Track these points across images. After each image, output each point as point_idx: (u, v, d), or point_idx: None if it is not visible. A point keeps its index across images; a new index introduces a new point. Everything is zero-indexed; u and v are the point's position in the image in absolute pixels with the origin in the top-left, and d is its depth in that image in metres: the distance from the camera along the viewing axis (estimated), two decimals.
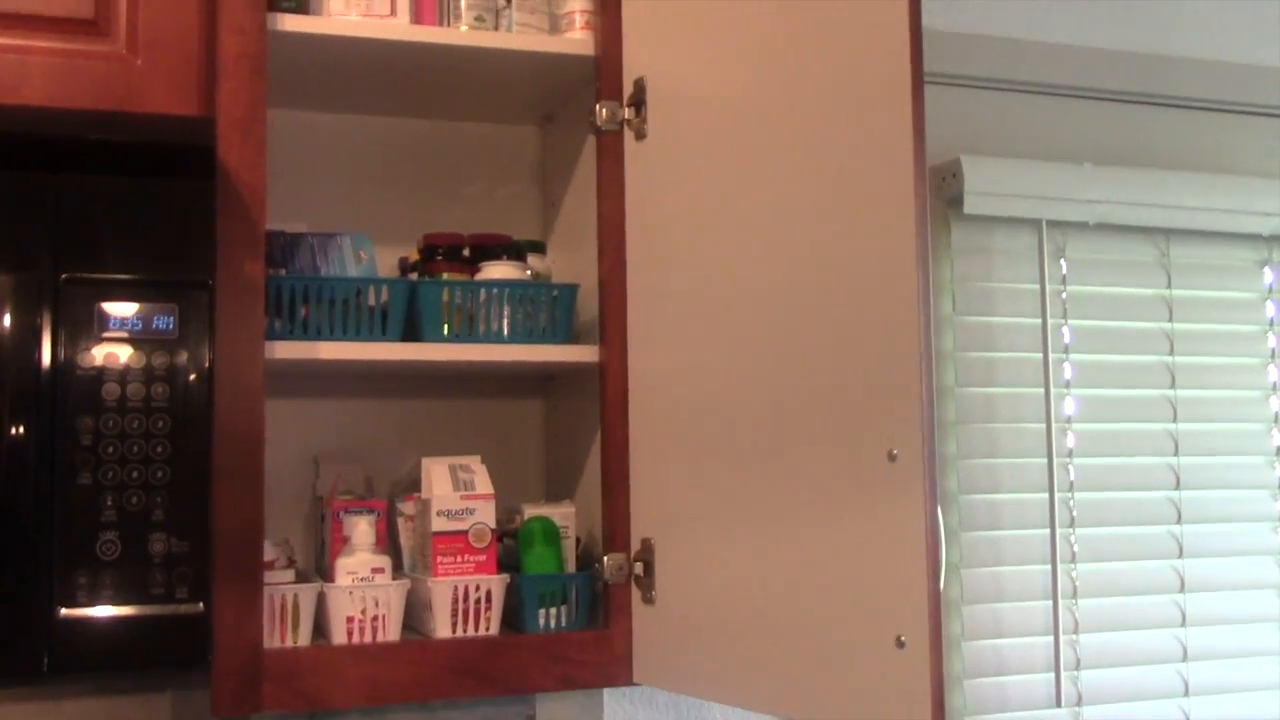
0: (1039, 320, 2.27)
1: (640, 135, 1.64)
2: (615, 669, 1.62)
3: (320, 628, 1.58)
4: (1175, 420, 2.36)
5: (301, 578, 1.61)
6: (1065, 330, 2.30)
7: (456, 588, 1.60)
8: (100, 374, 1.32)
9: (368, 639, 1.56)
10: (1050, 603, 2.23)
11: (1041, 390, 2.26)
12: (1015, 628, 2.22)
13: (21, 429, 1.29)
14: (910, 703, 1.21)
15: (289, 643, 1.53)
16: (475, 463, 1.67)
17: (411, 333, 1.67)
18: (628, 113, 1.66)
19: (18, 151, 1.33)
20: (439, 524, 1.61)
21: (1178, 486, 2.35)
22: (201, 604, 1.33)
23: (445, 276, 1.72)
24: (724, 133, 1.50)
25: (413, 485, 1.78)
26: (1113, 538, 2.30)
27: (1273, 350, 2.44)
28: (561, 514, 1.72)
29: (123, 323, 1.34)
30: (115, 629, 1.30)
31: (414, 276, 1.75)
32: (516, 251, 1.78)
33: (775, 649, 1.39)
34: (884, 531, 1.25)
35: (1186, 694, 2.31)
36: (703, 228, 1.52)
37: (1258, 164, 2.45)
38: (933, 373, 1.23)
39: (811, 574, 1.34)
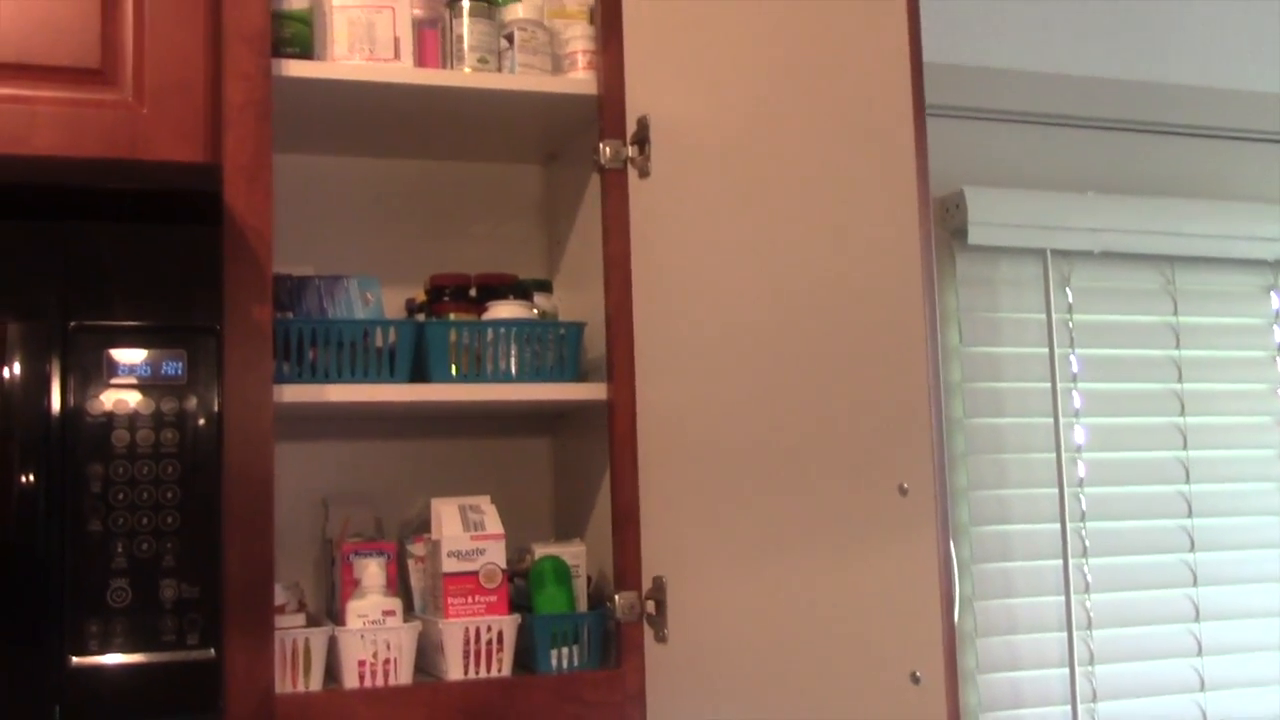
0: (1046, 350, 2.27)
1: (644, 173, 1.64)
2: (629, 708, 1.61)
3: (332, 672, 1.57)
4: (1185, 448, 2.35)
5: (312, 621, 1.60)
6: (1073, 359, 2.30)
7: (468, 629, 1.59)
8: (110, 420, 1.32)
9: (380, 682, 1.55)
10: (1065, 634, 2.22)
11: (1050, 420, 2.26)
12: (1030, 660, 2.21)
13: (32, 476, 1.29)
14: None
15: (301, 687, 1.52)
16: (485, 503, 1.67)
17: (419, 373, 1.67)
18: (631, 151, 1.67)
19: (27, 201, 1.34)
20: (449, 565, 1.60)
21: (1190, 514, 2.34)
22: (213, 650, 1.32)
23: (452, 317, 1.73)
24: (727, 169, 1.50)
25: (422, 526, 1.78)
26: (1126, 567, 2.29)
27: None
28: (572, 553, 1.71)
29: (132, 369, 1.34)
30: (127, 677, 1.30)
31: (421, 317, 1.76)
32: (523, 290, 1.78)
33: (789, 686, 1.38)
34: (897, 566, 1.24)
35: None
36: (708, 264, 1.53)
37: (1261, 190, 2.46)
38: (942, 405, 1.22)
39: (825, 610, 1.33)
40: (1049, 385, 2.26)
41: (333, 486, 1.84)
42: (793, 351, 1.39)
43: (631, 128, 1.67)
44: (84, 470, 1.31)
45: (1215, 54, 2.46)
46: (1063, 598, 2.22)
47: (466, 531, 1.62)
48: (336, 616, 1.64)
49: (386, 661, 1.56)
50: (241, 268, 1.47)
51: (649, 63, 1.66)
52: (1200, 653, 2.31)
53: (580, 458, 1.85)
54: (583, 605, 1.69)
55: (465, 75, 1.70)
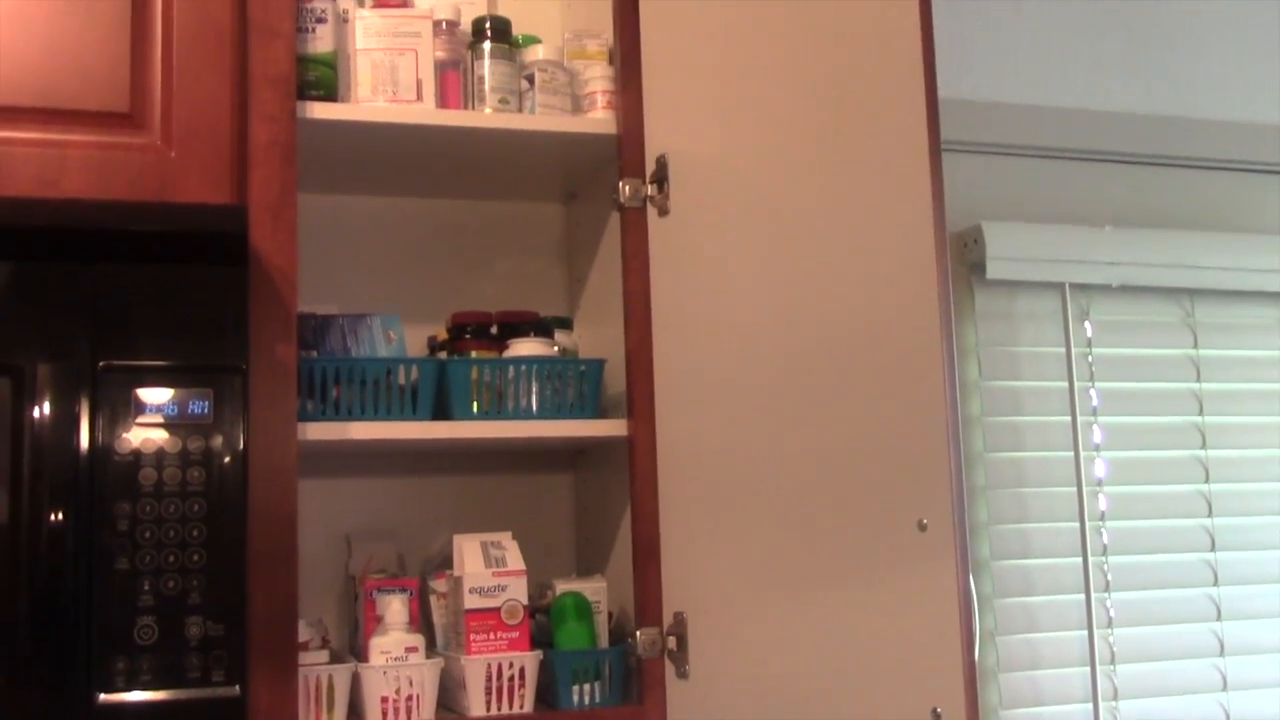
0: (1066, 383, 2.27)
1: (663, 211, 1.66)
2: None
3: (355, 708, 1.58)
4: (1208, 481, 2.35)
5: (335, 658, 1.61)
6: (1093, 393, 2.30)
7: (490, 665, 1.60)
8: (137, 459, 1.34)
9: (402, 719, 1.56)
10: (1088, 669, 2.21)
11: (1071, 454, 2.25)
12: (1053, 695, 2.19)
13: (60, 515, 1.31)
14: None
15: None
16: (506, 539, 1.68)
17: (442, 411, 1.68)
18: (650, 189, 1.69)
19: (57, 243, 1.36)
20: (471, 601, 1.61)
21: (1213, 548, 2.33)
22: (238, 687, 1.33)
23: (474, 354, 1.74)
24: (745, 207, 1.52)
25: (444, 563, 1.79)
26: (1149, 601, 2.28)
27: None
28: (593, 589, 1.72)
29: (159, 408, 1.36)
30: (153, 714, 1.31)
31: (443, 355, 1.77)
32: (544, 328, 1.80)
33: None
34: (916, 602, 1.25)
35: None
36: (727, 301, 1.54)
37: (1279, 222, 2.46)
38: (960, 440, 1.23)
39: (845, 647, 1.33)
40: (1069, 419, 2.26)
41: (356, 523, 1.86)
42: (811, 387, 1.40)
43: (651, 166, 1.69)
44: (111, 508, 1.32)
45: (1232, 87, 2.47)
46: (1085, 632, 2.21)
47: (488, 568, 1.63)
48: (359, 653, 1.65)
49: (409, 698, 1.57)
50: (267, 307, 1.49)
51: (668, 102, 1.68)
52: (1225, 687, 2.29)
53: (601, 494, 1.86)
54: (604, 641, 1.70)
55: (487, 116, 1.72)
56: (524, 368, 1.70)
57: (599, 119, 1.76)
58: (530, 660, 1.62)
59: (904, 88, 1.32)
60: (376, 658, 1.57)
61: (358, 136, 1.69)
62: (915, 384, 1.26)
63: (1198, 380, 2.37)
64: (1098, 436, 2.30)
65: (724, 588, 1.52)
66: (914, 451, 1.25)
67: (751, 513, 1.48)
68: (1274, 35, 2.52)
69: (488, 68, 1.74)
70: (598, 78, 1.78)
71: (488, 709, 1.59)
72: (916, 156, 1.30)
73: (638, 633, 1.62)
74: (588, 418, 1.72)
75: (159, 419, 1.36)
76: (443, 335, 1.83)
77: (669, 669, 1.61)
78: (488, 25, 1.77)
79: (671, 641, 1.60)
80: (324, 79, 1.66)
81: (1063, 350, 2.28)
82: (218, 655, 1.33)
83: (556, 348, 1.79)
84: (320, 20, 1.66)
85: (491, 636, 1.61)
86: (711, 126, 1.59)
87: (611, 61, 1.79)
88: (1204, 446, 2.36)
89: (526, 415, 1.70)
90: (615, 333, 1.75)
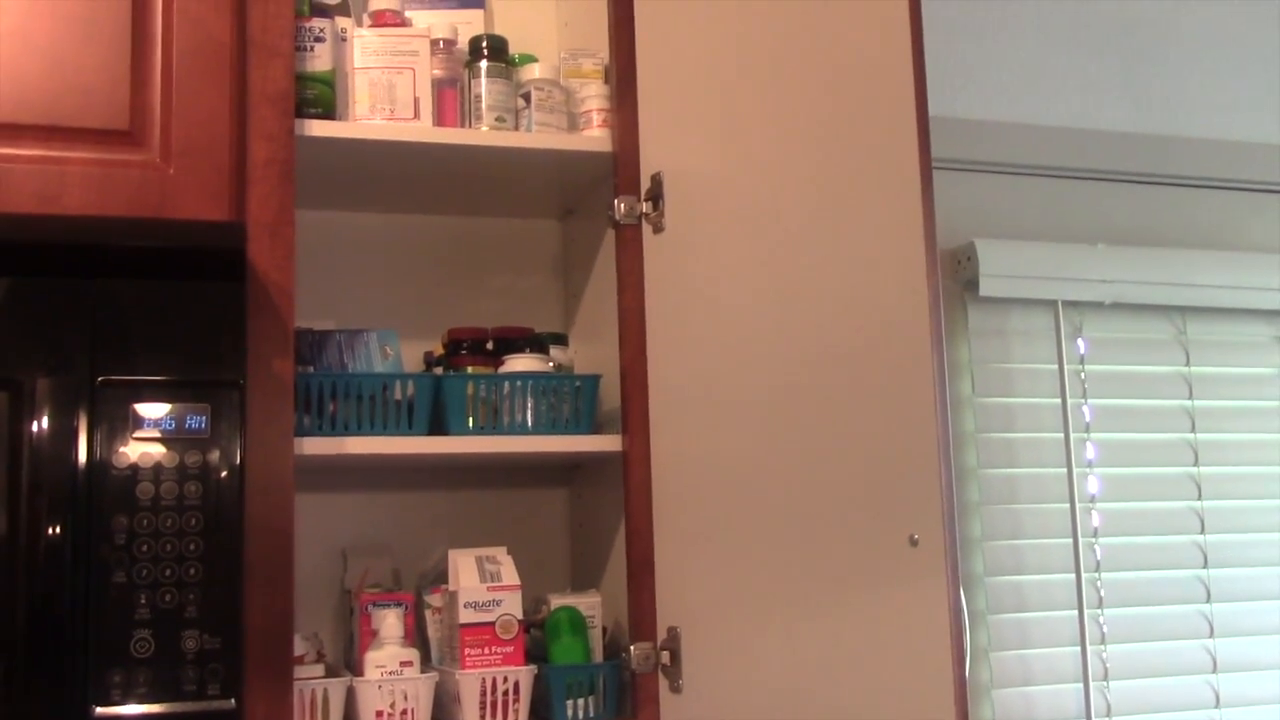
0: (1059, 400, 2.28)
1: (658, 228, 1.67)
2: None
3: None
4: (1200, 498, 2.36)
5: (331, 672, 1.62)
6: (1086, 409, 2.31)
7: (485, 679, 1.60)
8: (134, 473, 1.35)
9: None
10: (1081, 685, 2.21)
11: (1064, 470, 2.26)
12: (1047, 712, 2.20)
13: (58, 528, 1.32)
14: None
15: None
16: (501, 554, 1.69)
17: (437, 426, 1.69)
18: (645, 207, 1.70)
19: (57, 259, 1.37)
20: (466, 616, 1.62)
21: (1205, 565, 2.34)
22: (233, 700, 1.34)
23: (470, 370, 1.75)
24: (740, 224, 1.54)
25: (440, 577, 1.79)
26: (1142, 617, 2.29)
27: None
28: (588, 604, 1.73)
29: (156, 423, 1.37)
30: None
31: (439, 371, 1.78)
32: (539, 344, 1.81)
33: None
34: (908, 618, 1.26)
35: None
36: (721, 317, 1.55)
37: (1271, 240, 2.48)
38: (951, 457, 1.24)
39: (838, 661, 1.34)
40: (1062, 435, 2.27)
41: (351, 537, 1.87)
42: (804, 403, 1.41)
43: (646, 184, 1.70)
44: (109, 522, 1.33)
45: (1225, 107, 2.49)
46: (1078, 649, 2.22)
47: (483, 582, 1.64)
48: (354, 667, 1.65)
49: (404, 712, 1.57)
50: (264, 322, 1.50)
51: (663, 121, 1.69)
52: (1218, 704, 2.30)
53: (596, 509, 1.87)
54: (598, 656, 1.71)
55: (483, 134, 1.74)
56: (519, 383, 1.72)
57: (595, 137, 1.78)
58: (525, 675, 1.62)
59: (895, 107, 1.33)
60: (371, 672, 1.58)
61: (355, 154, 1.70)
62: (907, 400, 1.27)
63: (1190, 397, 2.39)
64: (1091, 453, 2.31)
65: (718, 602, 1.53)
66: (905, 467, 1.26)
67: (745, 528, 1.49)
68: (1266, 55, 2.54)
69: (484, 86, 1.76)
70: (593, 96, 1.79)
71: None
72: (908, 175, 1.32)
73: (632, 647, 1.63)
74: (583, 433, 1.73)
75: (157, 433, 1.37)
76: (439, 351, 1.84)
77: (663, 683, 1.61)
78: (484, 44, 1.78)
79: (665, 656, 1.61)
80: (322, 97, 1.67)
81: (1055, 367, 2.30)
82: (214, 669, 1.34)
83: (552, 364, 1.80)
84: (319, 39, 1.67)
85: (486, 651, 1.62)
86: (706, 145, 1.61)
87: (607, 80, 1.81)
88: (1196, 463, 2.37)
89: (522, 431, 1.71)
90: (610, 349, 1.76)
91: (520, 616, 1.64)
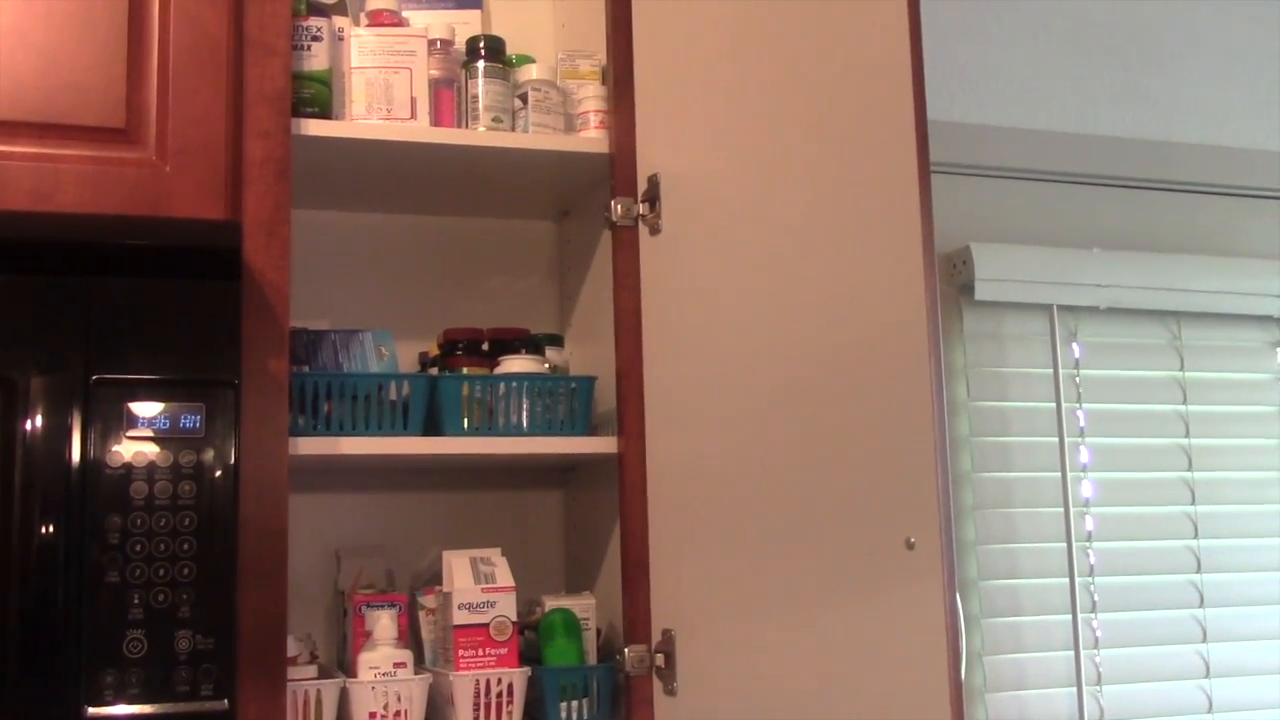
0: (1053, 404, 2.28)
1: (655, 230, 1.67)
2: None
3: None
4: (1194, 502, 2.36)
5: (324, 673, 1.61)
6: (1080, 414, 2.32)
7: (478, 681, 1.60)
8: (128, 472, 1.34)
9: None
10: (1075, 689, 2.21)
11: (1058, 474, 2.27)
12: (1039, 716, 2.20)
13: (51, 527, 1.31)
14: None
15: None
16: (496, 555, 1.68)
17: (432, 426, 1.69)
18: (642, 208, 1.70)
19: (52, 257, 1.37)
20: (460, 617, 1.62)
21: (1199, 570, 2.34)
22: (226, 701, 1.33)
23: (465, 371, 1.75)
24: (737, 226, 1.53)
25: (433, 579, 1.79)
26: (1136, 622, 2.29)
27: None
28: (582, 605, 1.72)
29: (151, 422, 1.36)
30: None
31: (434, 371, 1.78)
32: (535, 345, 1.80)
33: None
34: (904, 621, 1.25)
35: None
36: (718, 319, 1.55)
37: (1266, 246, 2.48)
38: (949, 460, 1.24)
39: (833, 665, 1.34)
40: (1056, 439, 2.27)
41: (345, 538, 1.86)
42: (801, 405, 1.41)
43: (643, 185, 1.70)
44: (102, 522, 1.33)
45: (1220, 112, 2.50)
46: (1072, 653, 2.22)
47: (477, 584, 1.64)
48: (348, 668, 1.65)
49: (398, 713, 1.57)
50: (259, 322, 1.49)
51: (660, 122, 1.69)
52: (1211, 709, 2.30)
53: (590, 511, 1.87)
54: (592, 658, 1.70)
55: (480, 134, 1.73)
56: (515, 384, 1.71)
57: (591, 138, 1.77)
58: (518, 677, 1.62)
59: (894, 110, 1.33)
60: (365, 673, 1.57)
61: (352, 153, 1.70)
62: (903, 403, 1.26)
63: (1184, 402, 2.39)
64: (1085, 457, 2.31)
65: (712, 605, 1.53)
66: (902, 470, 1.26)
67: (740, 530, 1.49)
68: (1262, 61, 2.55)
69: (481, 86, 1.75)
70: (590, 97, 1.79)
71: None
72: (906, 177, 1.31)
73: (626, 650, 1.63)
74: (578, 434, 1.73)
75: (151, 432, 1.36)
76: (434, 351, 1.84)
77: (657, 686, 1.61)
78: (482, 45, 1.78)
79: (660, 659, 1.61)
80: (319, 96, 1.67)
81: (1050, 371, 2.30)
82: (207, 669, 1.33)
83: (547, 365, 1.80)
84: (316, 38, 1.67)
85: (480, 653, 1.61)
86: (704, 146, 1.61)
87: (604, 81, 1.81)
88: (1190, 468, 2.37)
89: (517, 432, 1.70)
90: (605, 350, 1.76)
91: (514, 618, 1.64)
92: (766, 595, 1.44)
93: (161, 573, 1.34)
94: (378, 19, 1.73)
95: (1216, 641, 2.32)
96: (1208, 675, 2.31)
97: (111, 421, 1.35)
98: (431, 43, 1.74)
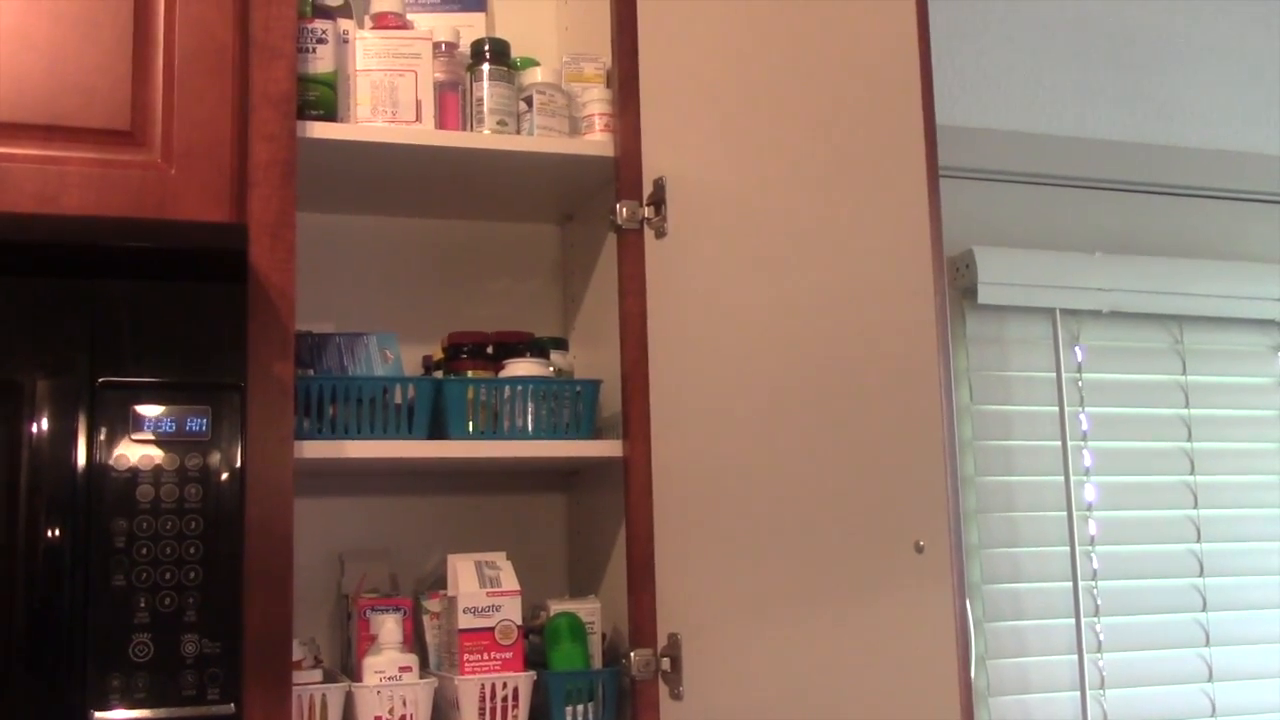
0: (1056, 408, 2.28)
1: (660, 233, 1.67)
2: None
3: None
4: (1196, 506, 2.36)
5: (328, 677, 1.61)
6: (1082, 417, 2.31)
7: (484, 686, 1.59)
8: (134, 476, 1.34)
9: None
10: (1078, 693, 2.21)
11: (1061, 478, 2.26)
12: (1043, 719, 2.19)
13: (57, 531, 1.30)
14: None
15: None
16: (501, 559, 1.68)
17: (437, 430, 1.68)
18: (648, 211, 1.70)
19: (57, 259, 1.36)
20: (465, 621, 1.61)
21: (1201, 573, 2.34)
22: (233, 705, 1.33)
23: (470, 374, 1.74)
24: (744, 229, 1.53)
25: (437, 583, 1.79)
26: (1138, 626, 2.28)
27: None
28: (587, 609, 1.72)
29: (156, 425, 1.36)
30: None
31: (438, 374, 1.78)
32: (539, 348, 1.80)
33: None
34: (913, 624, 1.25)
35: None
36: (724, 323, 1.55)
37: (1268, 250, 2.48)
38: (957, 463, 1.24)
39: (841, 668, 1.34)
40: (1059, 443, 2.27)
41: (348, 542, 1.86)
42: (808, 409, 1.40)
43: (648, 189, 1.70)
44: (108, 525, 1.32)
45: (1222, 117, 2.50)
46: (1075, 657, 2.22)
47: (482, 588, 1.63)
48: (352, 672, 1.64)
49: (403, 717, 1.56)
50: (264, 325, 1.49)
51: (665, 125, 1.69)
52: (1214, 714, 2.30)
53: (594, 514, 1.86)
54: (598, 662, 1.70)
55: (485, 137, 1.73)
56: (520, 388, 1.71)
57: (597, 141, 1.77)
58: (524, 681, 1.61)
59: (902, 111, 1.33)
60: (370, 677, 1.57)
61: (357, 156, 1.69)
62: (912, 405, 1.26)
63: (1186, 406, 2.39)
64: (1088, 461, 2.31)
65: (719, 609, 1.52)
66: (911, 473, 1.26)
67: (747, 534, 1.48)
68: (1264, 65, 2.55)
69: (486, 89, 1.75)
70: (595, 100, 1.79)
71: None
72: (914, 180, 1.31)
73: (632, 654, 1.62)
74: (583, 438, 1.72)
75: (157, 435, 1.36)
76: (438, 355, 1.83)
77: (663, 690, 1.61)
78: (486, 47, 1.78)
79: (666, 663, 1.60)
80: (324, 99, 1.66)
81: (1053, 375, 2.30)
82: (213, 673, 1.33)
83: (552, 368, 1.79)
84: (321, 40, 1.67)
85: (485, 657, 1.61)
86: (709, 149, 1.60)
87: (609, 84, 1.81)
88: (1193, 472, 2.37)
89: (522, 435, 1.70)
90: (609, 354, 1.76)
91: (519, 622, 1.63)
92: (774, 599, 1.43)
93: (168, 576, 1.33)
94: (382, 21, 1.73)
95: (1220, 646, 2.32)
96: (1211, 679, 2.31)
97: (117, 424, 1.35)
98: (436, 45, 1.74)
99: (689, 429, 1.60)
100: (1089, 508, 2.29)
